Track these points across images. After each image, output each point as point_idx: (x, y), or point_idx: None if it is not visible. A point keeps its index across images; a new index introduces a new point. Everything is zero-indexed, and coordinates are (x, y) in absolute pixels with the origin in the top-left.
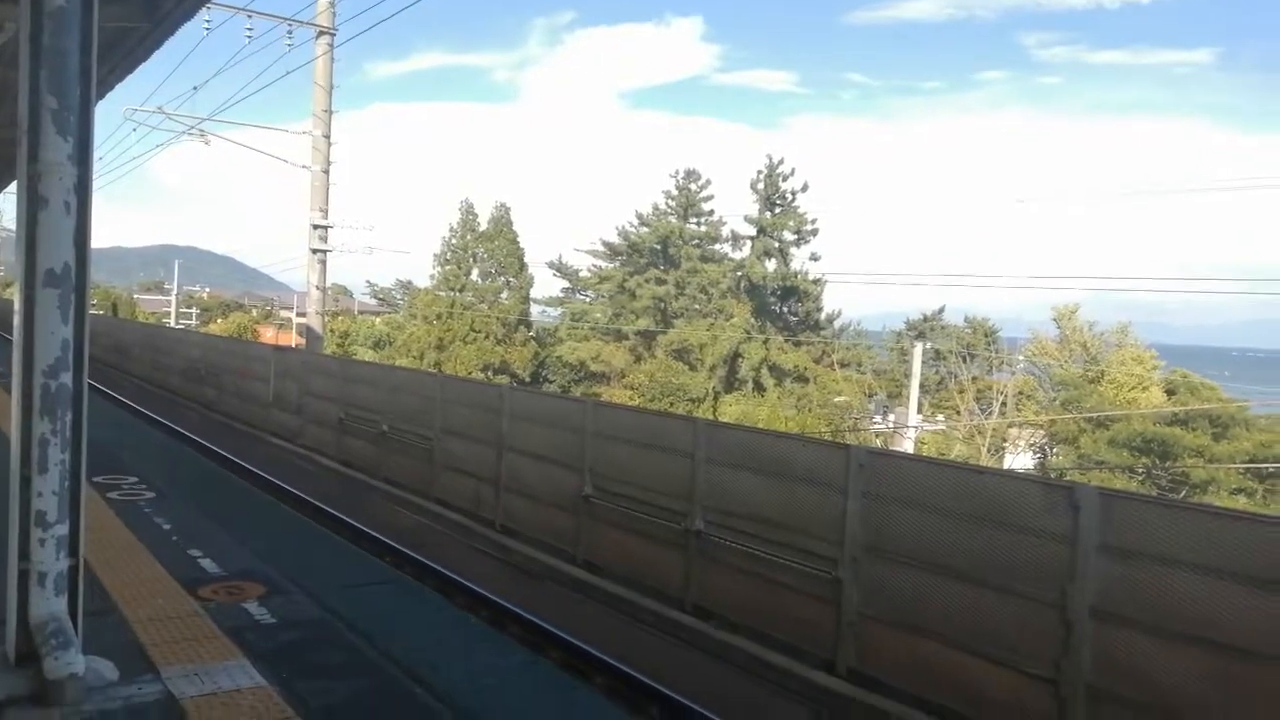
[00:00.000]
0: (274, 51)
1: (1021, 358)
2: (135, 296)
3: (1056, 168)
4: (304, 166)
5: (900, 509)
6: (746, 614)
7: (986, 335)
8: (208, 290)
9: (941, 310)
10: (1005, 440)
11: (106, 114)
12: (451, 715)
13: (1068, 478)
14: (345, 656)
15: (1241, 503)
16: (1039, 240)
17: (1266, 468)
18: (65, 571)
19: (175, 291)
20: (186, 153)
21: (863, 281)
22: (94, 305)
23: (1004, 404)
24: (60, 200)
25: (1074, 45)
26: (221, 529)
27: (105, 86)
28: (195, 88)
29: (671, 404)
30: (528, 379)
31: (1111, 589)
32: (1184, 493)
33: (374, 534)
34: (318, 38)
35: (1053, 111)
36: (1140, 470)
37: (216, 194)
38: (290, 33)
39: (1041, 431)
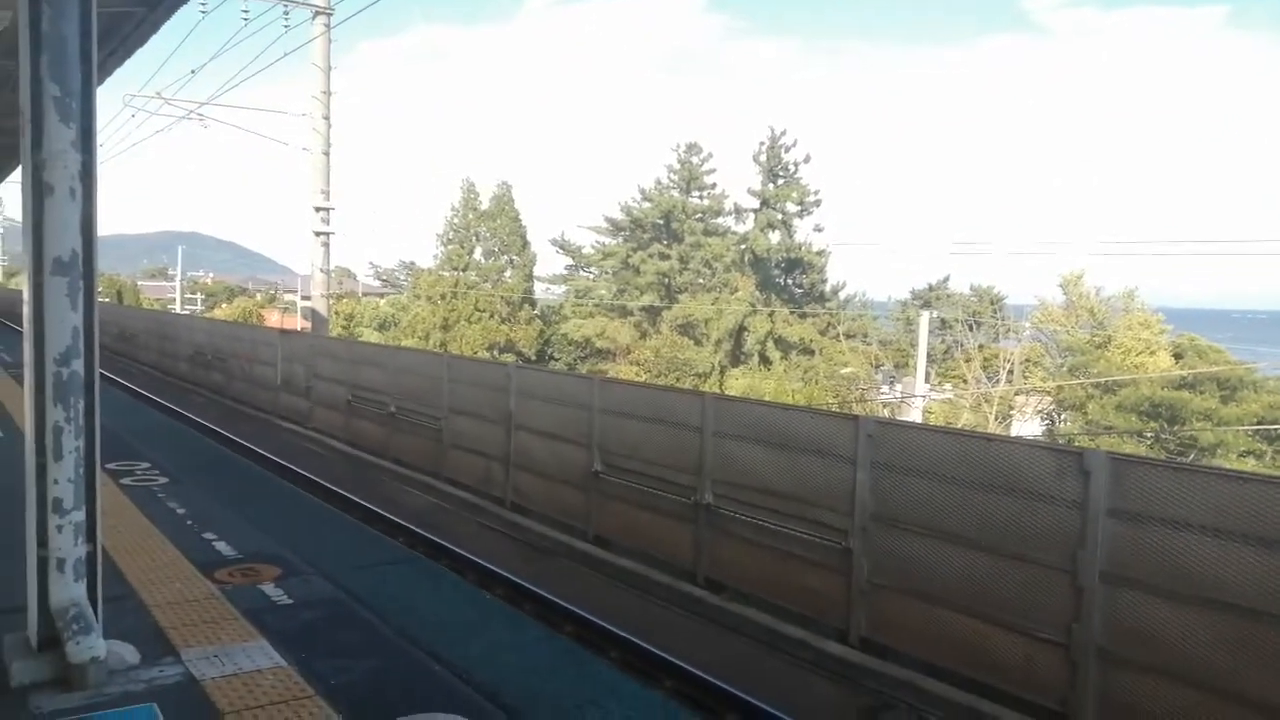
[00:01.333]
0: (271, 33)
1: (1028, 324)
2: (139, 283)
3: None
4: (304, 149)
5: (910, 478)
6: (758, 586)
7: (992, 303)
8: (211, 275)
9: (947, 279)
10: (1013, 408)
11: (105, 100)
12: (471, 690)
13: (1076, 443)
14: (363, 635)
15: (1251, 465)
16: (1046, 206)
17: (1275, 429)
18: (83, 557)
19: (179, 277)
20: (186, 138)
21: (874, 252)
22: (100, 293)
23: (1011, 371)
24: (65, 187)
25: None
26: (235, 512)
27: (104, 72)
28: (193, 71)
29: (678, 379)
30: (533, 357)
31: (1122, 553)
32: (1193, 456)
33: (386, 514)
34: (314, 18)
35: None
36: (1149, 434)
37: (218, 179)
38: (286, 13)
39: (1049, 398)
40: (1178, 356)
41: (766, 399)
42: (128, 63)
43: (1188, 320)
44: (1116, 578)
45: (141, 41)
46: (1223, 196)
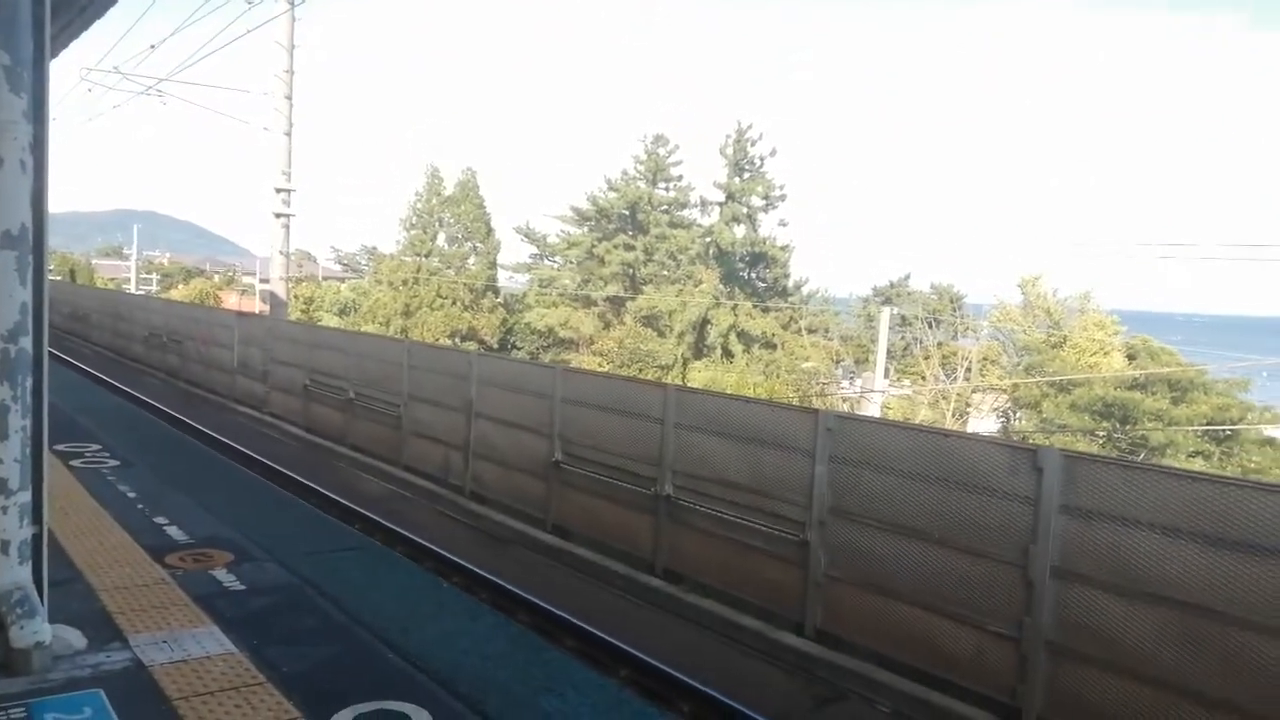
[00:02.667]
0: (234, 9)
1: (986, 324)
2: (93, 262)
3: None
4: (265, 128)
5: (867, 472)
6: (716, 577)
7: (952, 301)
8: (168, 256)
9: (908, 277)
10: (969, 405)
11: (61, 74)
12: (425, 678)
13: (1031, 441)
14: (316, 622)
15: (1199, 464)
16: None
17: (1224, 430)
18: (29, 540)
19: (135, 257)
20: (145, 115)
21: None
22: (51, 271)
23: (969, 369)
24: (15, 159)
25: None
26: (187, 496)
27: (59, 44)
28: (152, 46)
29: (641, 370)
30: (496, 345)
31: (1072, 549)
32: (1143, 455)
33: (342, 500)
34: None
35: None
36: (1101, 434)
37: (177, 157)
38: None
39: (1005, 396)
40: (1131, 357)
41: (728, 392)
42: (85, 35)
43: (1135, 322)
44: (1067, 573)
45: (99, 14)
46: (1183, 199)
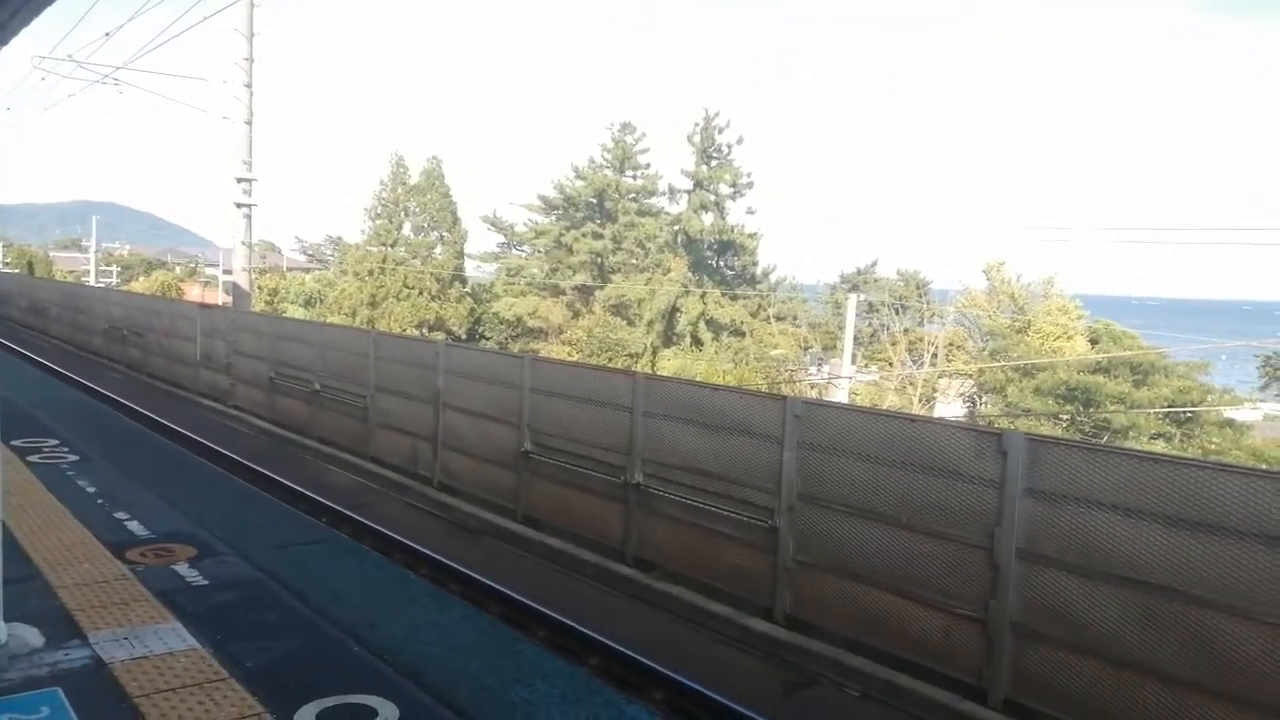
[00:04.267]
0: None
1: (952, 309)
2: (51, 255)
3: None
4: (224, 117)
5: (835, 458)
6: (687, 564)
7: (918, 288)
8: (128, 247)
9: (875, 263)
10: (936, 390)
11: (13, 62)
12: (392, 670)
13: (996, 425)
14: (281, 616)
15: (1160, 446)
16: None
17: (1184, 412)
18: None
19: (94, 249)
20: (102, 104)
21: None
22: (8, 264)
23: (935, 355)
24: None
25: None
26: (149, 491)
27: (9, 31)
28: (107, 34)
29: (610, 359)
30: (464, 335)
31: (1038, 531)
32: (1106, 438)
33: (309, 493)
34: None
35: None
36: (1065, 417)
37: (135, 147)
38: None
39: (971, 381)
40: (1093, 341)
41: (697, 380)
42: (37, 23)
43: (1095, 307)
44: (1032, 555)
45: (49, 0)
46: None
